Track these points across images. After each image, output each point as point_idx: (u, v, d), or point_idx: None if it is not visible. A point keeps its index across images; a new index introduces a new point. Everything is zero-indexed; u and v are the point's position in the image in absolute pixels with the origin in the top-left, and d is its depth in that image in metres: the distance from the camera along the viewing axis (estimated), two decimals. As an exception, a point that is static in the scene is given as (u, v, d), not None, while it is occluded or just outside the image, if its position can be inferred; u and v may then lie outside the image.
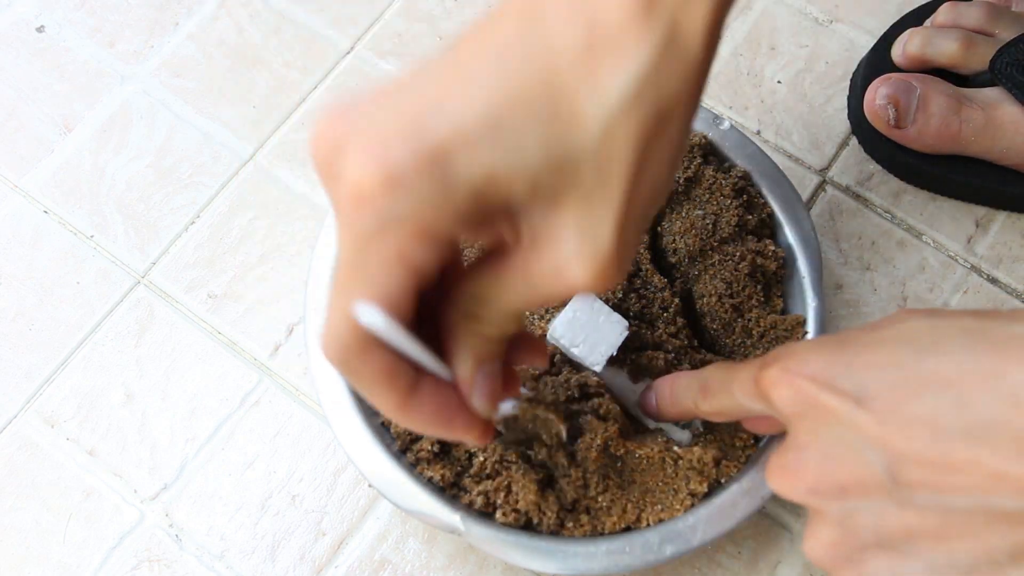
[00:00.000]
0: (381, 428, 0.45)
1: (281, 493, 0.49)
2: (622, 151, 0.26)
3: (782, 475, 0.35)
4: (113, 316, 0.53)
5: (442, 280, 0.30)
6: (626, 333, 0.47)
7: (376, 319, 0.28)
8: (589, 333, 0.47)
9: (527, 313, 0.49)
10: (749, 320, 0.48)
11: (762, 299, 0.48)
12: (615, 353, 0.47)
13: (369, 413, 0.45)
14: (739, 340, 0.48)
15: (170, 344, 0.52)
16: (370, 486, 0.47)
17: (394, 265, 0.27)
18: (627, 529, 0.43)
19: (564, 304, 0.48)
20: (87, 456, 0.50)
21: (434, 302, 0.31)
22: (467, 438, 0.33)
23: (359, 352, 0.29)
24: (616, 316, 0.47)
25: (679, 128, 0.27)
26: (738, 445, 0.45)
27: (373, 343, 0.29)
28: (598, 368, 0.46)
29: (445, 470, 0.44)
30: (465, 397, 0.32)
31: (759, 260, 0.48)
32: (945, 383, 0.30)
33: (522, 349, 0.35)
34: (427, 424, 0.32)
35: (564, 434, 0.44)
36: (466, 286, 0.30)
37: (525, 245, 0.29)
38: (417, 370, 0.31)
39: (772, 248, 0.48)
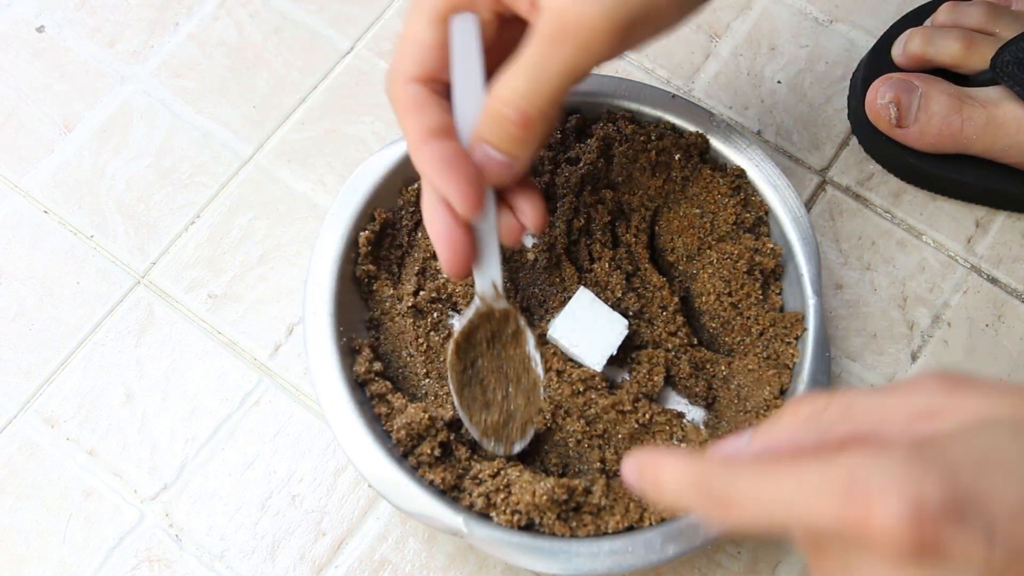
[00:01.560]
0: (383, 433, 0.45)
1: (281, 493, 0.49)
2: None
3: None
4: (113, 316, 0.53)
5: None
6: (626, 332, 0.47)
7: (465, 24, 0.35)
8: (589, 333, 0.47)
9: (526, 312, 0.49)
10: (748, 318, 0.48)
11: (760, 297, 0.48)
12: (615, 352, 0.47)
13: (369, 417, 0.45)
14: (738, 338, 0.48)
15: (170, 344, 0.52)
16: (370, 487, 0.47)
17: None
18: (630, 528, 0.43)
19: (564, 304, 0.48)
20: (87, 456, 0.50)
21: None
22: (457, 194, 0.36)
23: (406, 78, 0.36)
24: (615, 315, 0.47)
25: None
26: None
27: (423, 75, 0.36)
28: (598, 367, 0.46)
29: (446, 473, 0.44)
30: (471, 144, 0.37)
31: (757, 257, 0.48)
32: None
33: (522, 196, 0.40)
34: (430, 167, 0.36)
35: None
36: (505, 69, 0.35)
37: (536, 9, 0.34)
38: (450, 129, 0.37)
39: (770, 245, 0.48)
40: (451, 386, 0.44)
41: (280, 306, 0.53)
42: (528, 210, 0.41)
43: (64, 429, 0.50)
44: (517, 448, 0.45)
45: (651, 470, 0.31)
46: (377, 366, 0.46)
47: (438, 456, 0.44)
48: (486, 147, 0.37)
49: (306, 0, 0.60)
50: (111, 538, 0.48)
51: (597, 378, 0.46)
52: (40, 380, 0.51)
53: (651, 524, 0.43)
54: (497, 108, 0.35)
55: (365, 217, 0.48)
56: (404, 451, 0.44)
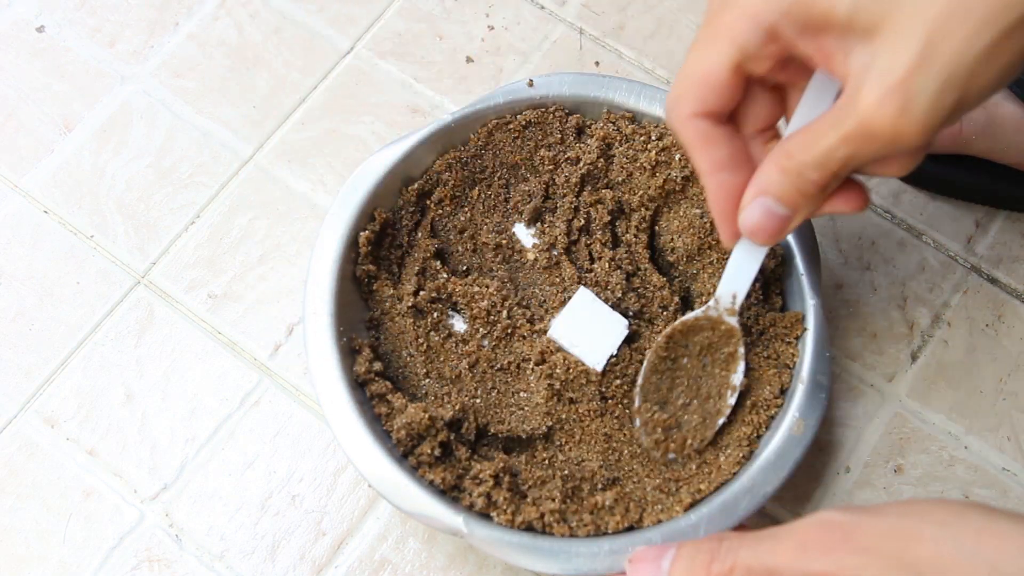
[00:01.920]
0: (383, 433, 0.45)
1: (281, 493, 0.49)
2: None
3: None
4: (113, 316, 0.53)
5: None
6: (626, 332, 0.47)
7: (826, 86, 0.36)
8: (589, 332, 0.47)
9: (521, 316, 0.49)
10: (748, 318, 0.48)
11: (761, 297, 0.48)
12: (615, 352, 0.47)
13: (369, 417, 0.45)
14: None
15: (170, 344, 0.52)
16: (370, 487, 0.47)
17: (720, 37, 0.35)
18: (630, 528, 0.43)
19: (564, 303, 0.48)
20: (87, 456, 0.50)
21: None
22: (728, 229, 0.39)
23: (691, 113, 0.37)
24: (616, 315, 0.47)
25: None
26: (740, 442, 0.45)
27: (709, 112, 0.36)
28: (599, 367, 0.46)
29: (446, 473, 0.44)
30: (740, 205, 0.38)
31: None
32: None
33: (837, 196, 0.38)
34: (716, 198, 0.38)
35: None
36: (796, 131, 0.35)
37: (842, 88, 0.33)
38: (740, 157, 0.38)
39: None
40: (644, 365, 0.45)
41: (280, 306, 0.53)
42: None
43: (64, 429, 0.50)
44: (669, 457, 0.45)
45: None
46: (377, 366, 0.46)
47: (438, 456, 0.44)
48: (768, 201, 0.37)
49: (306, 0, 0.60)
50: (111, 538, 0.48)
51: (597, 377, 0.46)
52: (40, 380, 0.51)
53: (651, 524, 0.43)
54: (794, 167, 0.35)
55: (365, 217, 0.48)
56: (404, 451, 0.44)
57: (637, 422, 0.45)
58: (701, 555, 0.35)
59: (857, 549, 0.31)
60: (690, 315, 0.45)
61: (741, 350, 0.45)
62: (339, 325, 0.46)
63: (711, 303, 0.44)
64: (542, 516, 0.43)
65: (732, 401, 0.45)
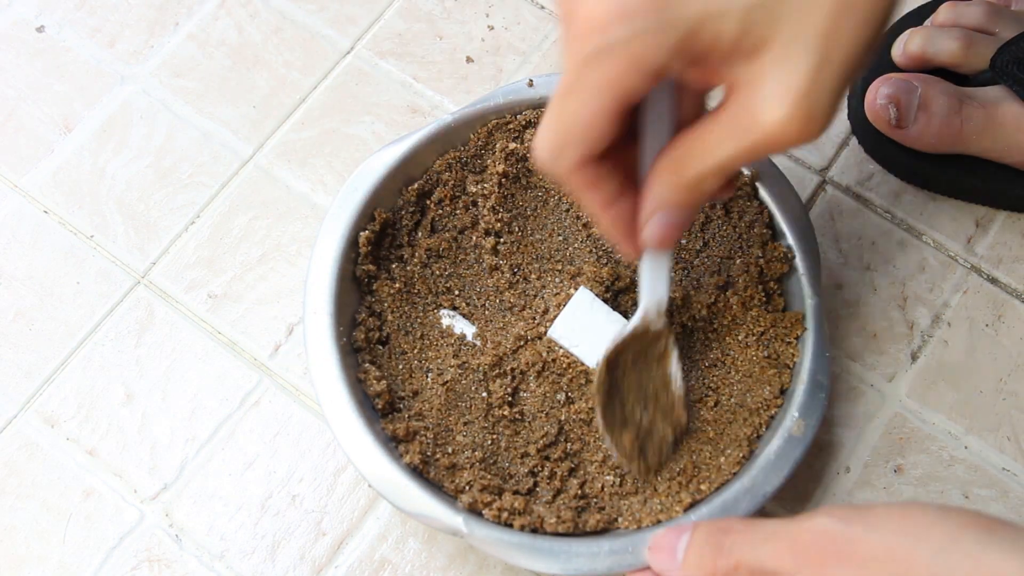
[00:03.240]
0: (382, 432, 0.45)
1: (281, 493, 0.49)
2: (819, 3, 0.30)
3: None
4: (113, 316, 0.53)
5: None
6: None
7: (663, 92, 0.36)
8: (589, 333, 0.47)
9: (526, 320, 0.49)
10: (749, 318, 0.48)
11: (764, 299, 0.48)
12: (615, 353, 0.47)
13: (370, 418, 0.45)
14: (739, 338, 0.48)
15: (170, 344, 0.52)
16: (370, 487, 0.47)
17: (604, 87, 0.32)
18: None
19: (566, 302, 0.48)
20: (87, 456, 0.50)
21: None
22: (631, 251, 0.39)
23: (576, 163, 0.35)
24: (616, 315, 0.47)
25: None
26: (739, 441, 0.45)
27: (591, 157, 0.35)
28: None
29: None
30: (639, 225, 0.38)
31: (762, 262, 0.48)
32: None
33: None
34: (613, 230, 0.39)
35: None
36: (678, 142, 0.35)
37: (727, 96, 0.33)
38: (623, 184, 0.37)
39: (783, 250, 0.48)
40: (596, 406, 0.44)
41: (280, 306, 0.53)
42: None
43: (64, 429, 0.50)
44: (654, 469, 0.45)
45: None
46: (376, 335, 0.47)
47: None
48: (668, 213, 0.37)
49: (306, 0, 0.60)
50: (111, 538, 0.48)
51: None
52: (40, 380, 0.51)
53: (650, 524, 0.43)
54: (692, 177, 0.36)
55: (365, 217, 0.48)
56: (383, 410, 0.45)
57: (614, 455, 0.45)
58: (707, 548, 0.37)
59: (852, 566, 0.32)
60: (622, 336, 0.44)
61: (672, 341, 0.45)
62: (339, 325, 0.46)
63: (638, 321, 0.44)
64: (541, 516, 0.43)
65: (680, 386, 0.45)
